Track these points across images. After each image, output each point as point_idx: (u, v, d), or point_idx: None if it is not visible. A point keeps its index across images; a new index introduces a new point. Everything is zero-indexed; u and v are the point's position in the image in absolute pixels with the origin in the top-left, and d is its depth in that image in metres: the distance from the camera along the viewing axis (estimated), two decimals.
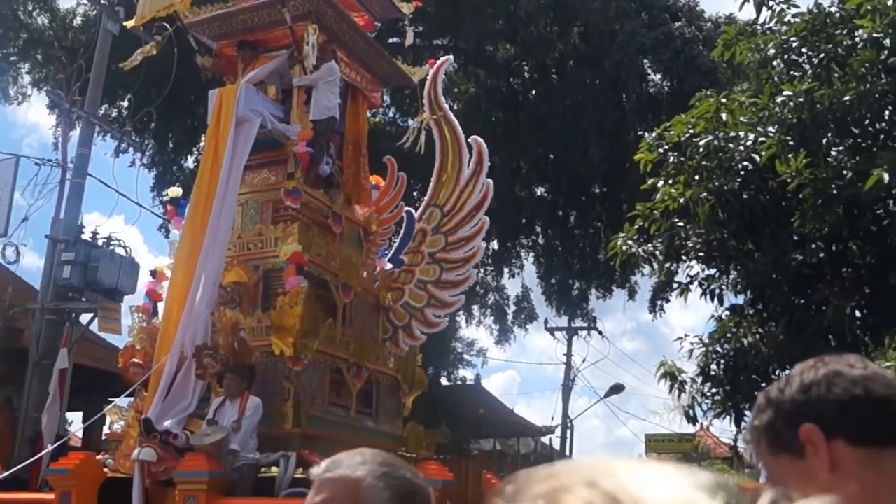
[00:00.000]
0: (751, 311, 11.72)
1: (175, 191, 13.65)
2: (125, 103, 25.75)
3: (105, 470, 10.85)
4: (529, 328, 33.65)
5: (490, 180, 14.18)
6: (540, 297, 32.39)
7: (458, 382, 35.94)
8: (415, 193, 23.24)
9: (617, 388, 34.23)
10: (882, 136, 10.37)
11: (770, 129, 10.47)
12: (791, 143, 10.11)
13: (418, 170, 18.07)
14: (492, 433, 36.51)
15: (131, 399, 11.96)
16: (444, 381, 33.27)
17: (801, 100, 10.15)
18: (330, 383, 12.14)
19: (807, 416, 1.71)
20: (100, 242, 17.28)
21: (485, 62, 30.26)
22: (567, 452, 34.03)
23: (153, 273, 12.79)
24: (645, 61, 26.86)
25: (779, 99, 10.45)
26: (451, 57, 16.47)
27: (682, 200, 11.20)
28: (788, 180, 9.87)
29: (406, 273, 13.93)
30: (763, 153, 10.24)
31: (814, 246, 10.58)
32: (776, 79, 11.13)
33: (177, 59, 14.54)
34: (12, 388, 20.05)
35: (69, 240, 17.00)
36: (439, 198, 14.17)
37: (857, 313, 10.62)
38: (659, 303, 29.71)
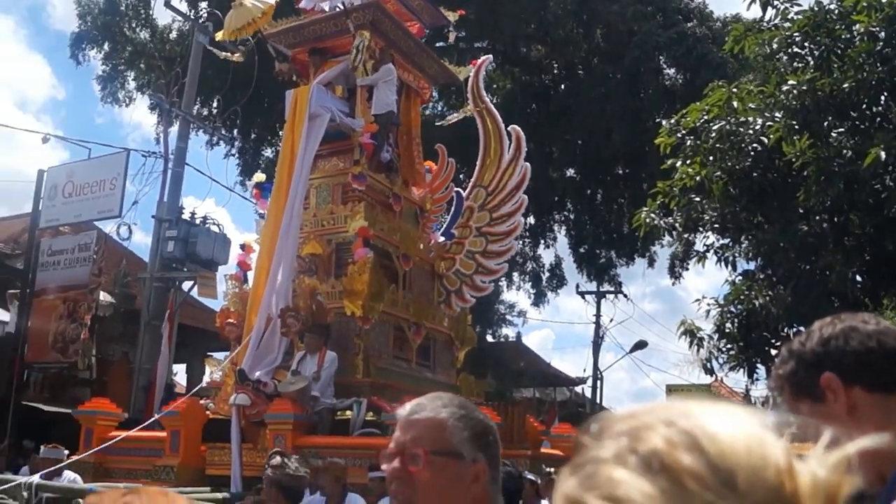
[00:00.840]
0: (761, 276, 11.52)
1: (259, 176, 13.66)
2: (215, 103, 25.81)
3: (207, 412, 10.97)
4: (562, 292, 33.60)
5: (527, 164, 14.08)
6: (571, 264, 32.23)
7: (502, 339, 35.72)
8: (461, 176, 23.10)
9: (640, 345, 33.84)
10: (878, 119, 10.09)
11: (776, 114, 10.21)
12: (796, 126, 9.86)
13: (465, 156, 17.96)
14: (531, 383, 36.33)
15: (227, 353, 12.03)
16: (489, 338, 33.12)
17: (804, 88, 9.88)
18: (394, 340, 12.13)
19: (826, 365, 1.71)
20: (197, 221, 17.36)
21: (519, 61, 29.93)
22: (598, 401, 33.77)
23: (242, 247, 12.82)
24: (660, 57, 26.35)
25: (784, 87, 10.19)
26: (490, 57, 16.24)
27: (698, 178, 11.03)
28: (794, 159, 9.64)
29: (457, 245, 13.87)
30: (770, 136, 10.00)
31: (817, 217, 10.35)
32: (781, 70, 10.85)
33: (258, 65, 14.53)
34: (128, 345, 20.35)
35: (172, 219, 17.08)
36: (484, 179, 14.09)
37: (858, 278, 10.38)
38: (678, 269, 29.38)
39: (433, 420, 1.91)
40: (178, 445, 10.48)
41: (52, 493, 8.56)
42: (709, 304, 11.50)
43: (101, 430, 11.25)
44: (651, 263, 31.63)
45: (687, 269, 30.04)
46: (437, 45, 24.52)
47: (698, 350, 11.42)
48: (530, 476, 9.28)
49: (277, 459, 5.97)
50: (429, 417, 1.92)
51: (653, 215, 11.91)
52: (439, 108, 29.53)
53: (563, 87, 29.65)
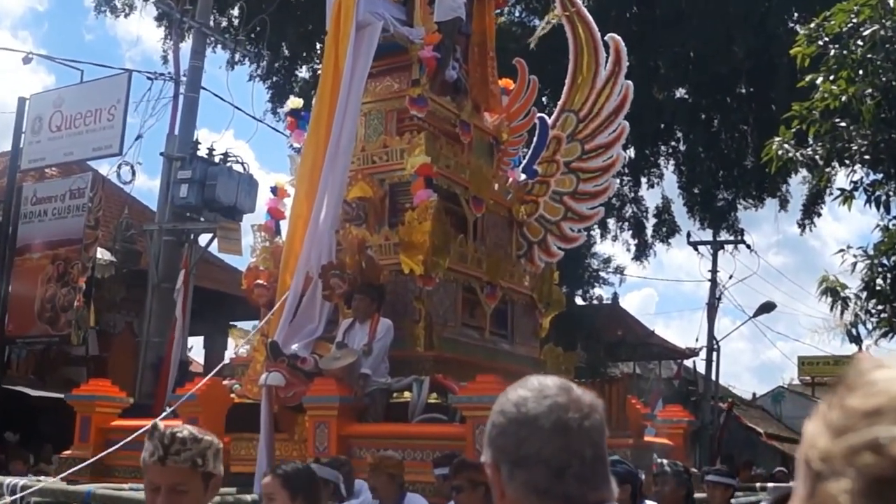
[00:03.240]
0: None
1: (295, 101, 13.59)
2: (237, 12, 25.94)
3: (231, 396, 11.04)
4: (669, 242, 33.18)
5: (628, 82, 14.04)
6: (681, 208, 32.00)
7: (594, 302, 35.69)
8: (544, 99, 22.94)
9: (767, 307, 33.52)
10: None
11: None
12: None
13: (550, 72, 17.83)
14: (630, 356, 36.37)
15: (256, 322, 12.16)
16: (579, 301, 33.11)
17: None
18: (462, 303, 12.16)
19: None
20: (216, 159, 17.43)
21: None
22: (713, 377, 33.59)
23: (274, 190, 12.91)
24: None
25: None
26: None
27: (844, 98, 10.82)
28: None
29: (540, 184, 13.86)
30: None
31: None
32: None
33: None
34: (133, 314, 20.67)
35: (185, 157, 17.20)
36: (574, 102, 14.05)
37: None
38: (814, 213, 29.02)
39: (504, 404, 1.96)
40: None
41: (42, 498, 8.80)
42: (855, 256, 11.36)
43: (100, 419, 11.46)
44: (783, 206, 31.30)
45: (819, 215, 29.70)
46: None
47: (841, 313, 11.31)
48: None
49: (315, 468, 6.08)
50: (503, 400, 1.97)
51: (786, 146, 11.74)
52: (517, 14, 29.32)
53: None
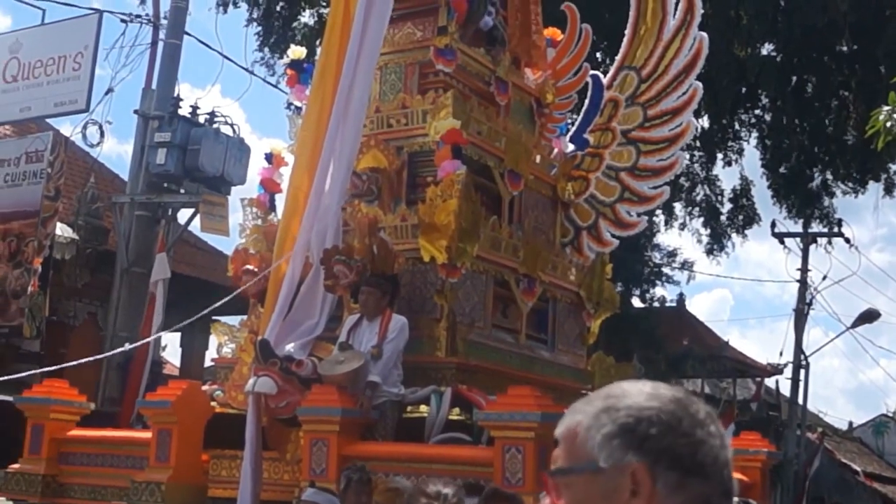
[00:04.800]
0: None
1: (297, 51, 13.51)
2: None
3: (213, 403, 11.09)
4: (749, 233, 33.07)
5: (703, 34, 14.00)
6: (764, 192, 31.87)
7: (655, 303, 35.62)
8: (598, 54, 22.87)
9: (869, 316, 33.20)
10: None
11: None
12: None
13: (606, 21, 17.75)
14: (698, 371, 36.26)
15: (244, 316, 12.18)
16: (636, 302, 33.05)
17: None
18: (494, 300, 12.12)
19: None
20: (201, 119, 17.47)
21: None
22: (800, 399, 33.38)
23: (269, 157, 12.92)
24: None
25: None
26: None
27: None
28: None
29: (592, 157, 13.85)
30: None
31: None
32: None
33: None
34: (97, 303, 20.73)
35: (164, 116, 17.27)
36: (635, 58, 14.07)
37: None
38: None
39: (567, 430, 2.03)
40: (169, 452, 10.60)
41: None
42: None
43: (55, 428, 11.51)
44: (889, 191, 31.08)
45: None
46: None
47: None
48: None
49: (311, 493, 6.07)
50: (564, 427, 2.04)
51: None
52: None
53: None
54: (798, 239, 33.39)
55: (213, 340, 12.61)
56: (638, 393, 1.99)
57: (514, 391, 9.34)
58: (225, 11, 27.63)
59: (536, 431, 8.73)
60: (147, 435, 10.95)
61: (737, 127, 31.87)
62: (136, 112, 17.96)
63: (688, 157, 27.47)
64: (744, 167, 32.67)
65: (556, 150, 13.65)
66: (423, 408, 10.33)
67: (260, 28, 30.39)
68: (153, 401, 10.96)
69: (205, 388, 11.48)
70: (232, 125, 17.90)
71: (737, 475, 10.71)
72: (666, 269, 35.61)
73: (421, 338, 10.93)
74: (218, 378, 11.83)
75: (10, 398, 12.68)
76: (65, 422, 11.66)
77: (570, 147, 13.86)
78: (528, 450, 8.80)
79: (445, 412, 10.19)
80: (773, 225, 32.88)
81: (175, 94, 17.87)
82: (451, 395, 10.28)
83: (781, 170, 30.77)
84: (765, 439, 14.93)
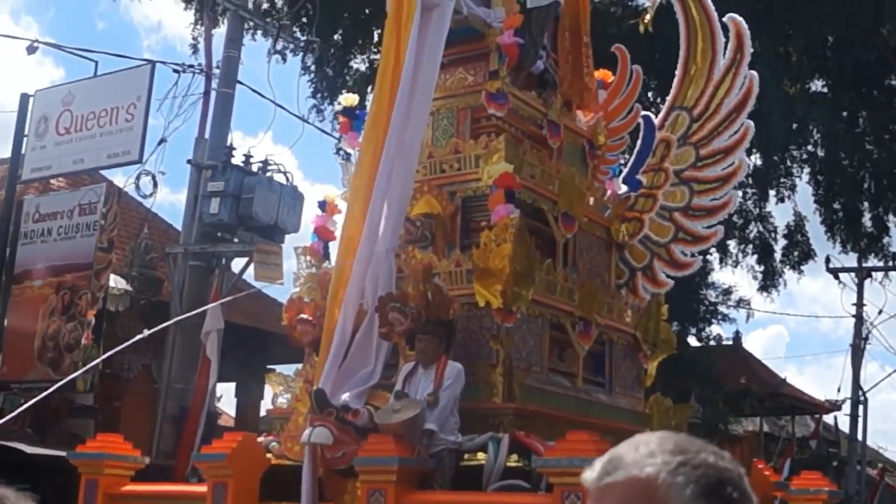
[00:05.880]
0: None
1: (349, 98, 13.55)
2: None
3: (269, 455, 11.04)
4: (804, 269, 32.93)
5: (753, 72, 14.00)
6: (818, 227, 31.71)
7: (712, 342, 35.40)
8: (650, 94, 22.81)
9: None
10: None
11: None
12: None
13: (657, 62, 17.70)
14: (756, 409, 35.97)
15: (299, 365, 12.14)
16: (693, 341, 32.85)
17: None
18: (550, 343, 12.06)
19: None
20: (253, 168, 17.50)
21: None
22: (858, 435, 33.07)
23: (322, 205, 12.94)
24: None
25: None
26: None
27: None
28: None
29: (645, 198, 13.81)
30: None
31: None
32: None
33: None
34: (151, 355, 20.74)
35: (216, 166, 17.32)
36: (687, 98, 14.05)
37: None
38: None
39: (636, 480, 1.93)
40: None
41: None
42: None
43: (109, 483, 11.44)
44: None
45: None
46: None
47: None
48: None
49: None
50: (630, 477, 1.94)
51: None
52: None
53: None
54: (853, 274, 33.25)
55: (269, 390, 12.57)
56: (702, 448, 1.98)
57: (572, 436, 9.29)
58: (285, 61, 27.85)
59: None
60: (202, 489, 10.91)
61: (789, 163, 31.84)
62: (189, 162, 18.03)
63: (740, 194, 27.38)
64: (797, 203, 32.68)
65: (609, 192, 13.62)
66: (480, 455, 10.24)
67: (318, 75, 30.60)
68: (208, 454, 10.93)
69: (260, 439, 11.44)
70: (285, 173, 17.95)
71: None
72: (721, 308, 35.47)
73: (477, 384, 10.85)
74: (273, 429, 11.79)
75: (63, 453, 12.67)
76: (119, 476, 11.60)
77: (624, 188, 13.84)
78: (586, 496, 8.68)
79: (503, 459, 10.10)
80: (828, 260, 32.87)
81: (228, 143, 17.93)
82: (508, 442, 10.19)
83: (835, 205, 30.68)
84: (825, 478, 14.81)
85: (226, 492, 10.54)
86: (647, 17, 14.52)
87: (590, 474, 2.00)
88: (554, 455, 9.28)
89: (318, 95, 30.72)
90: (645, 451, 1.95)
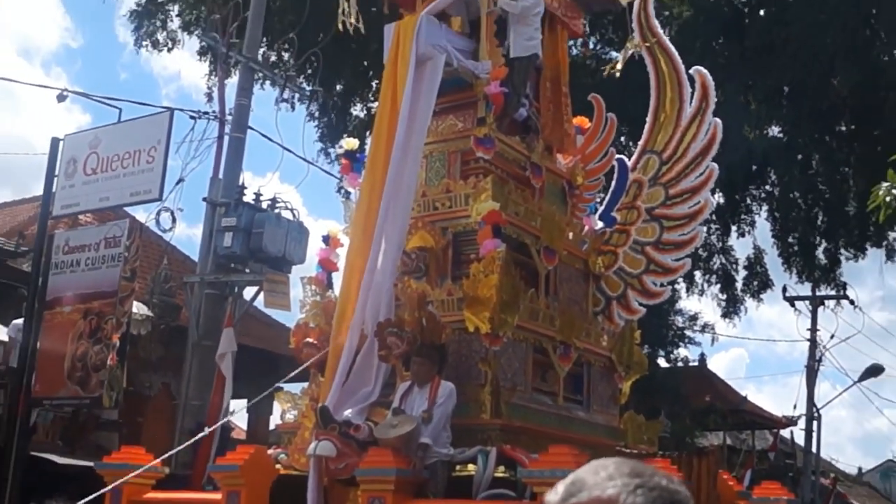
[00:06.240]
0: None
1: (350, 142, 13.61)
2: (287, 45, 26.22)
3: (278, 466, 11.02)
4: (763, 297, 32.97)
5: (717, 119, 13.96)
6: (775, 259, 31.78)
7: (679, 364, 35.36)
8: (622, 138, 22.86)
9: (874, 370, 33.28)
10: None
11: None
12: None
13: (630, 109, 17.73)
14: (720, 425, 35.91)
15: (305, 385, 12.13)
16: (662, 362, 32.83)
17: None
18: (533, 365, 12.02)
19: None
20: (263, 205, 17.54)
21: None
22: (813, 448, 33.04)
23: (326, 239, 12.93)
24: None
25: None
26: None
27: None
28: None
29: (619, 233, 13.80)
30: None
31: None
32: None
33: None
34: (170, 374, 20.72)
35: (229, 203, 17.34)
36: (657, 142, 14.02)
37: None
38: None
39: (599, 501, 1.91)
40: None
41: None
42: None
43: (132, 491, 11.42)
44: (889, 256, 31.07)
45: None
46: None
47: None
48: None
49: None
50: (593, 498, 1.92)
51: (895, 191, 11.51)
52: (593, 46, 29.39)
53: (762, 12, 29.14)
54: (807, 301, 33.29)
55: (277, 407, 12.54)
56: (655, 472, 1.96)
57: (554, 450, 9.26)
58: (293, 109, 27.88)
59: None
60: (217, 496, 10.86)
61: (749, 202, 31.91)
62: (204, 199, 18.04)
63: (705, 230, 27.40)
64: (756, 238, 32.71)
65: (586, 228, 13.61)
66: (470, 466, 10.20)
67: (322, 121, 30.67)
68: (223, 465, 10.88)
69: (270, 451, 11.41)
70: (291, 210, 17.97)
71: None
72: (688, 332, 35.47)
73: (467, 402, 10.82)
74: (282, 442, 11.76)
75: (91, 464, 12.65)
76: (142, 485, 11.56)
77: (600, 224, 13.83)
78: None
79: (491, 470, 10.07)
80: (784, 289, 32.94)
81: (240, 183, 17.94)
82: (496, 455, 10.16)
83: (790, 239, 30.71)
84: (783, 487, 14.81)
85: (239, 499, 10.49)
86: (619, 65, 14.55)
87: (553, 497, 1.97)
88: (537, 467, 9.25)
89: (325, 139, 30.81)
90: (605, 475, 1.94)
